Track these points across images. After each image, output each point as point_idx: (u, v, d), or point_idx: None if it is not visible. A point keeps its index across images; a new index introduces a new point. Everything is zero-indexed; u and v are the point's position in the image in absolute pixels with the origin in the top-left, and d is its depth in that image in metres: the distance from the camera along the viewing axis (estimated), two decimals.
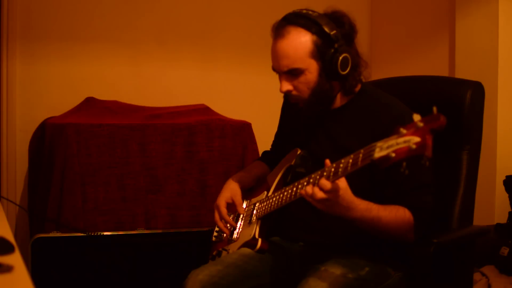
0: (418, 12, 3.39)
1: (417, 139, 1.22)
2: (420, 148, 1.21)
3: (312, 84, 1.67)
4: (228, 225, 1.91)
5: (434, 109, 1.23)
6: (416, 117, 1.23)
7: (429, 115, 1.22)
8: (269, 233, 1.85)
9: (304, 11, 1.67)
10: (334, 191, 1.45)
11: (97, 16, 3.10)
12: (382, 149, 1.28)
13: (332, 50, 1.63)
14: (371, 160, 1.31)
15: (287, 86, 1.69)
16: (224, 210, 1.90)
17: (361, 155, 1.36)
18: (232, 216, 1.94)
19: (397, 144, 1.24)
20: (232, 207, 1.92)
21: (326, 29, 1.63)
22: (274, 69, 1.71)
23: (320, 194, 1.44)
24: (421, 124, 1.22)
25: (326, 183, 1.44)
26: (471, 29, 2.94)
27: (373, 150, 1.30)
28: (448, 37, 3.14)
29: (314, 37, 1.64)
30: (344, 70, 1.65)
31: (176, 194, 2.65)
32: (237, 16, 3.39)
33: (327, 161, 1.48)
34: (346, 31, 1.67)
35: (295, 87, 1.69)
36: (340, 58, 1.63)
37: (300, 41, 1.64)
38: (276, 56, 1.68)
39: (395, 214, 1.57)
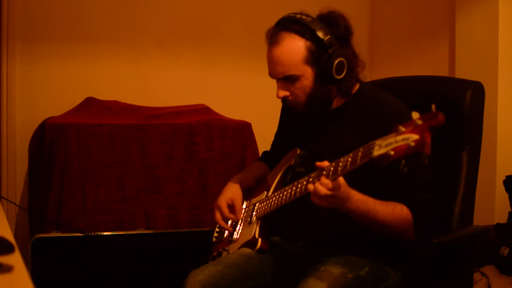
0: (418, 12, 3.38)
1: (415, 136, 1.22)
2: (419, 146, 1.22)
3: (308, 89, 1.67)
4: (230, 222, 1.92)
5: (433, 106, 1.23)
6: (415, 115, 1.24)
7: (428, 113, 1.23)
8: (269, 233, 1.85)
9: (298, 16, 1.67)
10: (336, 189, 1.45)
11: (97, 16, 3.10)
12: (381, 147, 1.28)
13: (327, 56, 1.63)
14: (370, 158, 1.32)
15: (283, 92, 1.70)
16: (226, 210, 1.90)
17: (360, 154, 1.37)
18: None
19: (396, 142, 1.25)
20: (231, 209, 1.92)
21: (320, 35, 1.63)
22: (270, 75, 1.72)
23: (323, 191, 1.45)
24: (419, 122, 1.23)
25: (327, 182, 1.44)
26: (471, 29, 2.94)
27: (372, 149, 1.31)
28: (448, 37, 3.14)
29: (308, 43, 1.64)
30: (339, 74, 1.65)
31: (176, 194, 2.65)
32: (237, 17, 3.39)
33: (319, 164, 1.49)
34: (341, 33, 1.67)
35: (291, 93, 1.69)
36: (335, 63, 1.63)
37: (294, 48, 1.64)
38: (271, 63, 1.69)
39: (392, 209, 1.57)
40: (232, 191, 1.94)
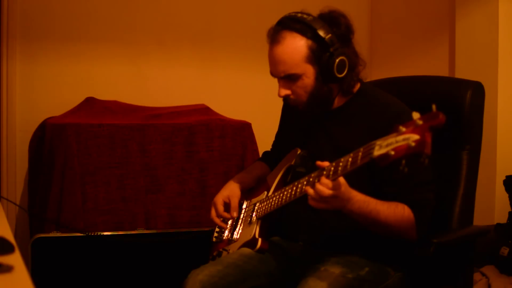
0: (418, 12, 3.39)
1: (416, 136, 1.22)
2: (419, 146, 1.22)
3: (310, 88, 1.68)
4: (225, 220, 1.92)
5: (433, 106, 1.23)
6: (415, 115, 1.24)
7: (428, 113, 1.23)
8: (269, 233, 1.85)
9: (299, 15, 1.67)
10: (336, 188, 1.45)
11: (97, 16, 3.10)
12: (382, 147, 1.28)
13: (328, 54, 1.64)
14: (370, 158, 1.32)
15: (285, 91, 1.70)
16: (221, 208, 1.91)
17: (360, 154, 1.37)
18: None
19: (396, 142, 1.25)
20: (227, 207, 1.93)
21: (321, 33, 1.63)
22: (272, 74, 1.72)
23: (326, 192, 1.45)
24: (420, 122, 1.23)
25: (327, 182, 1.44)
26: (471, 29, 2.94)
27: (373, 148, 1.31)
28: (448, 37, 3.14)
29: (309, 42, 1.64)
30: (341, 73, 1.65)
31: (176, 194, 2.65)
32: (237, 17, 3.39)
33: (319, 163, 1.49)
34: (342, 32, 1.67)
35: (293, 92, 1.70)
36: (336, 61, 1.64)
37: (295, 47, 1.64)
38: (272, 62, 1.69)
39: (393, 209, 1.57)
40: (229, 189, 1.94)
